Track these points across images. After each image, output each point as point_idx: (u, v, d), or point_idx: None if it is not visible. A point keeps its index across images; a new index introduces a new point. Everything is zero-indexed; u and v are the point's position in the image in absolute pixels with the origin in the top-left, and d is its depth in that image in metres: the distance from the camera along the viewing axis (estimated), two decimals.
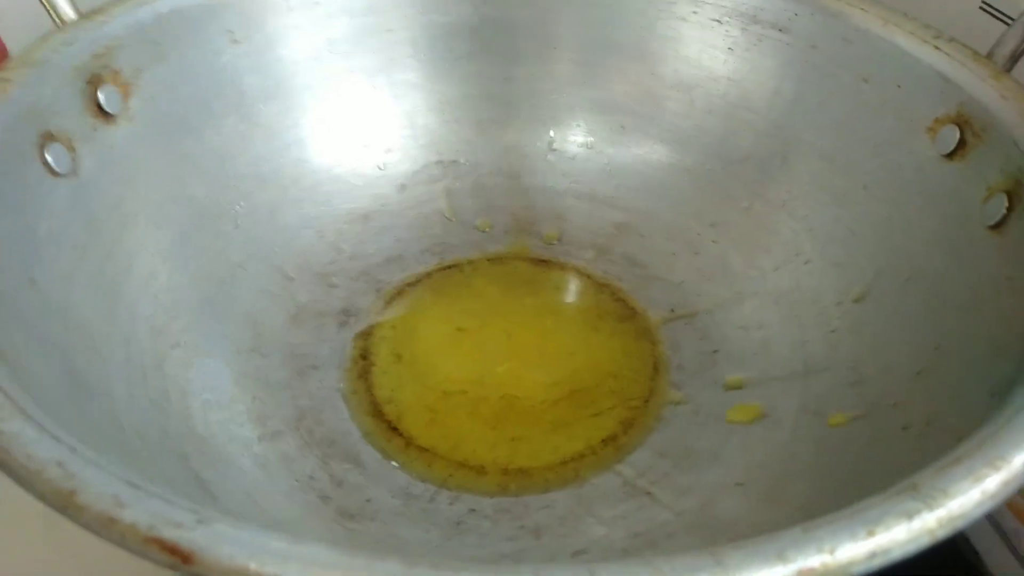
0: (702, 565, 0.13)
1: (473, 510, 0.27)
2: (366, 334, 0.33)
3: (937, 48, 0.29)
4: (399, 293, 0.35)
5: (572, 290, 0.36)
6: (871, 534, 0.14)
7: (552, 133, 0.40)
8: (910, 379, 0.25)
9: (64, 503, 0.13)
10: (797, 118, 0.34)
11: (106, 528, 0.13)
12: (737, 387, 0.30)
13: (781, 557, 0.13)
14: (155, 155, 0.31)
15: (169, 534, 0.13)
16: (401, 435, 0.29)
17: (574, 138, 0.40)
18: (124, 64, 0.29)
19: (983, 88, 0.27)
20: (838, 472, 0.24)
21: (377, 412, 0.30)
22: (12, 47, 0.37)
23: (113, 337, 0.26)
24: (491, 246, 0.38)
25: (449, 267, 0.37)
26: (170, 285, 0.30)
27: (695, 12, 0.36)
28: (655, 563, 0.13)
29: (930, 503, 0.15)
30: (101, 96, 0.28)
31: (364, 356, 0.32)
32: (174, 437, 0.25)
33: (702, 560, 0.13)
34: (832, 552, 0.14)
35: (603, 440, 0.29)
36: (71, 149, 0.27)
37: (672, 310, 0.34)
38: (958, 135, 0.28)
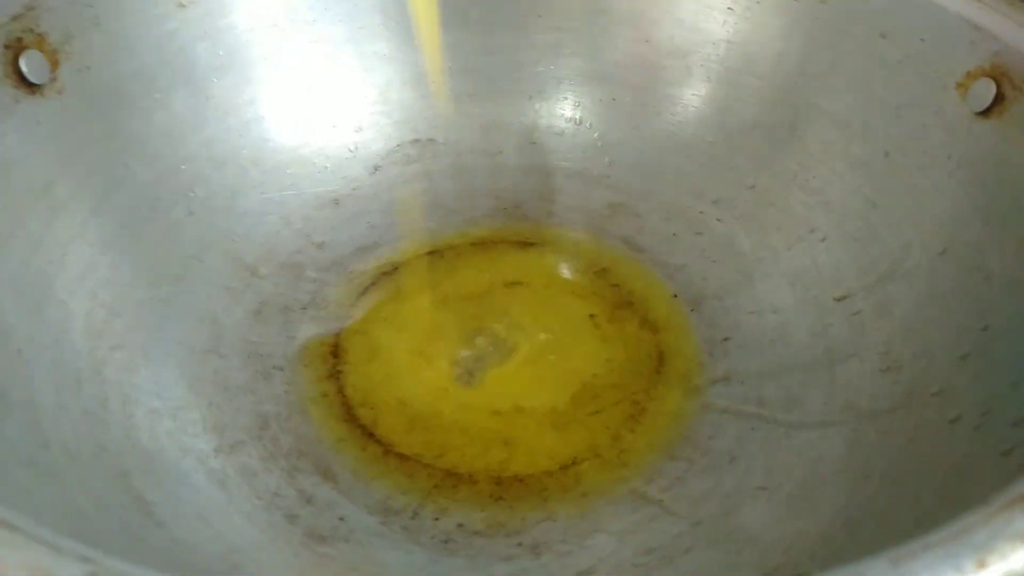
0: None
1: (462, 526, 0.23)
2: (336, 330, 0.30)
3: None
4: (374, 284, 0.32)
5: (564, 276, 0.33)
6: (982, 565, 0.11)
7: (537, 108, 0.37)
8: (954, 364, 0.23)
9: None
10: (807, 82, 0.31)
11: None
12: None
13: None
14: (93, 134, 0.28)
15: None
16: (378, 442, 0.26)
17: (561, 112, 0.37)
18: (50, 28, 0.26)
19: (1022, 34, 0.24)
20: (876, 472, 0.21)
21: (351, 417, 0.27)
22: None
23: (39, 338, 0.23)
24: (474, 230, 0.35)
25: (429, 254, 0.33)
26: (111, 279, 0.26)
27: None
28: None
29: None
30: (23, 64, 0.25)
31: (335, 354, 0.29)
32: (112, 452, 0.22)
33: None
34: None
35: (606, 441, 0.26)
36: None
37: (675, 295, 0.31)
38: (994, 90, 0.25)
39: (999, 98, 0.25)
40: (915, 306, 0.25)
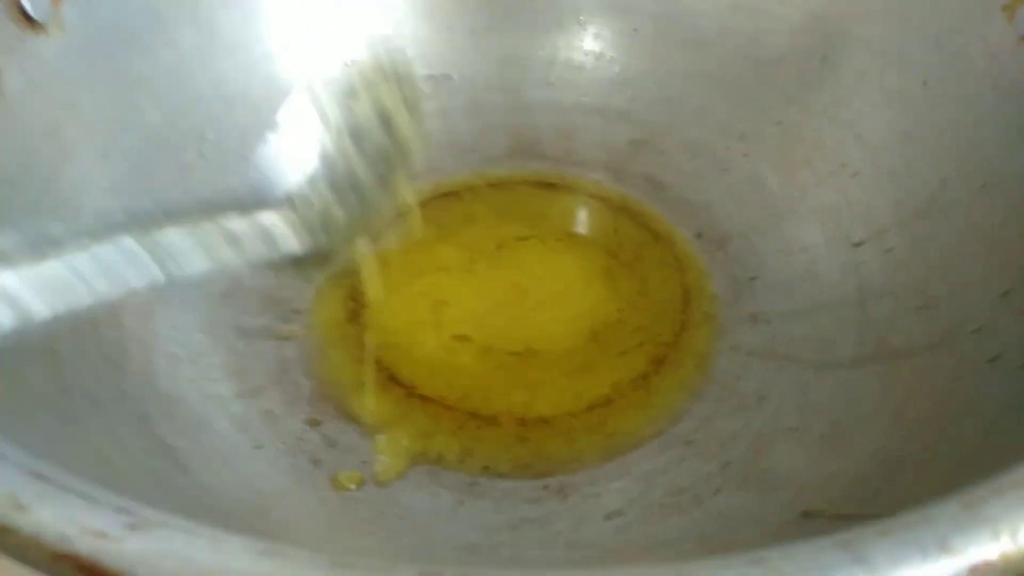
0: (835, 563, 0.09)
1: (487, 468, 0.23)
2: (355, 271, 0.29)
3: None
4: (391, 225, 0.31)
5: (586, 216, 0.32)
6: None
7: (556, 40, 0.35)
8: (994, 301, 0.22)
9: None
10: (839, 7, 0.30)
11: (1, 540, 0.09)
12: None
13: (944, 547, 0.10)
14: (99, 74, 0.27)
15: (88, 547, 0.09)
16: (401, 384, 0.25)
17: (580, 45, 0.35)
18: None
19: None
20: (912, 413, 0.21)
21: (372, 359, 0.26)
22: None
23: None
24: (492, 169, 0.34)
25: (446, 195, 0.33)
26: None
27: None
28: (768, 560, 0.09)
29: None
30: (25, 1, 0.24)
31: (354, 297, 0.28)
32: (133, 398, 0.21)
33: (833, 556, 0.09)
34: (1014, 536, 0.10)
35: (632, 381, 0.25)
36: None
37: (700, 235, 0.30)
38: None
39: None
40: (953, 242, 0.24)
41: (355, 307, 0.28)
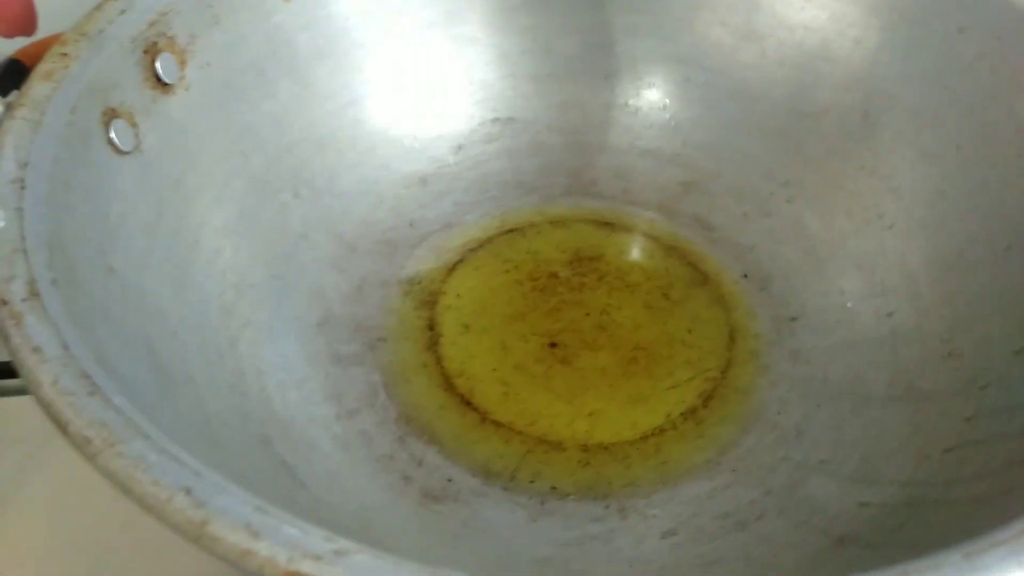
0: None
1: (555, 488, 0.26)
2: (431, 303, 0.32)
3: None
4: (461, 260, 0.34)
5: (639, 254, 0.35)
6: None
7: (613, 87, 0.38)
8: (1009, 358, 0.24)
9: (197, 533, 0.13)
10: (881, 70, 0.32)
11: (242, 559, 0.13)
12: None
13: None
14: (213, 125, 0.30)
15: (309, 568, 0.13)
16: (475, 409, 0.29)
17: (636, 91, 0.38)
18: (179, 30, 0.28)
19: None
20: (937, 452, 0.24)
21: (449, 386, 0.29)
22: (43, 13, 0.36)
23: (188, 320, 0.26)
24: (552, 208, 0.37)
25: (510, 231, 0.36)
26: (235, 262, 0.29)
27: None
28: None
29: None
30: (159, 66, 0.27)
31: (431, 327, 0.32)
32: (255, 421, 0.25)
33: None
34: None
35: (682, 414, 0.28)
36: (133, 124, 0.26)
37: (745, 275, 0.33)
38: None
39: None
40: (977, 297, 0.27)
41: (432, 336, 0.31)
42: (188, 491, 0.14)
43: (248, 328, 0.28)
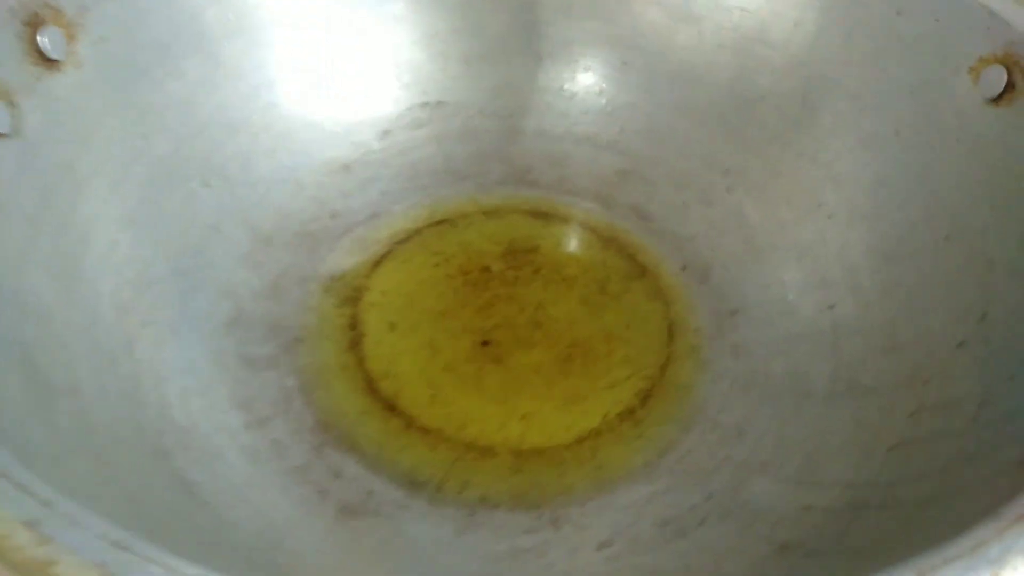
0: None
1: (485, 498, 0.25)
2: (354, 300, 0.30)
3: None
4: (388, 253, 0.32)
5: (576, 245, 0.33)
6: None
7: (547, 70, 0.36)
8: (951, 351, 0.24)
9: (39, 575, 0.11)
10: (820, 54, 0.31)
11: None
12: None
13: None
14: (110, 107, 0.28)
15: None
16: (400, 414, 0.27)
17: (571, 76, 0.36)
18: (66, 2, 0.25)
19: None
20: (880, 450, 0.23)
21: (372, 389, 0.27)
22: None
23: (75, 321, 0.23)
24: (485, 197, 0.35)
25: (441, 222, 0.34)
26: (134, 256, 0.27)
27: None
28: None
29: None
30: (42, 40, 0.25)
31: (354, 326, 0.29)
32: (151, 432, 0.22)
33: None
34: None
35: (620, 414, 0.27)
36: (12, 104, 0.23)
37: (685, 267, 0.32)
38: (1005, 78, 0.25)
39: (1010, 87, 0.25)
40: (919, 288, 0.26)
41: (355, 336, 0.29)
42: (32, 524, 0.11)
43: (148, 329, 0.26)
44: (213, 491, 0.22)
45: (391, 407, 0.27)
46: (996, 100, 0.25)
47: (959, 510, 0.17)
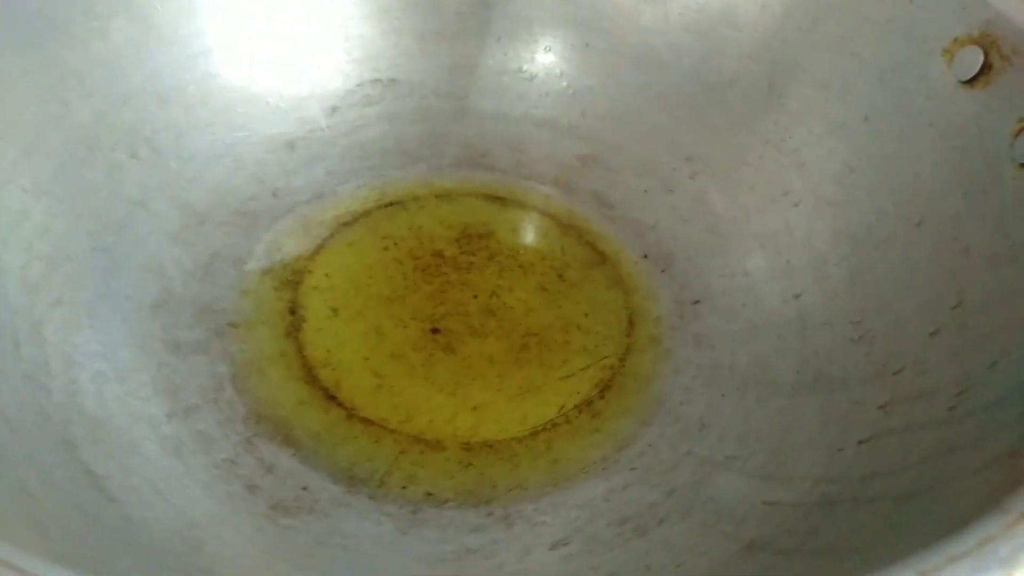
0: None
1: (431, 494, 0.23)
2: (295, 284, 0.28)
3: None
4: (332, 235, 0.30)
5: (533, 232, 0.32)
6: None
7: (506, 50, 0.35)
8: (924, 339, 0.23)
9: None
10: (788, 37, 0.30)
11: None
12: None
13: None
14: (23, 66, 0.25)
15: None
16: (341, 405, 0.25)
17: (531, 56, 0.35)
18: None
19: (1013, 3, 0.24)
20: (851, 444, 0.22)
21: (311, 378, 0.25)
22: None
23: None
24: (438, 180, 0.33)
25: (391, 204, 0.32)
26: (47, 228, 0.24)
27: None
28: None
29: None
30: None
31: (293, 311, 0.27)
32: (57, 421, 0.20)
33: None
34: None
35: (577, 406, 0.25)
36: None
37: (646, 255, 0.30)
38: (981, 58, 0.24)
39: (986, 67, 0.24)
40: (889, 276, 0.25)
41: (294, 321, 0.27)
42: None
43: (59, 308, 0.23)
44: (125, 487, 0.20)
45: (331, 397, 0.25)
46: (971, 82, 0.25)
47: (946, 505, 0.15)
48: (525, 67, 0.35)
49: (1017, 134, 0.23)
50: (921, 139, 0.26)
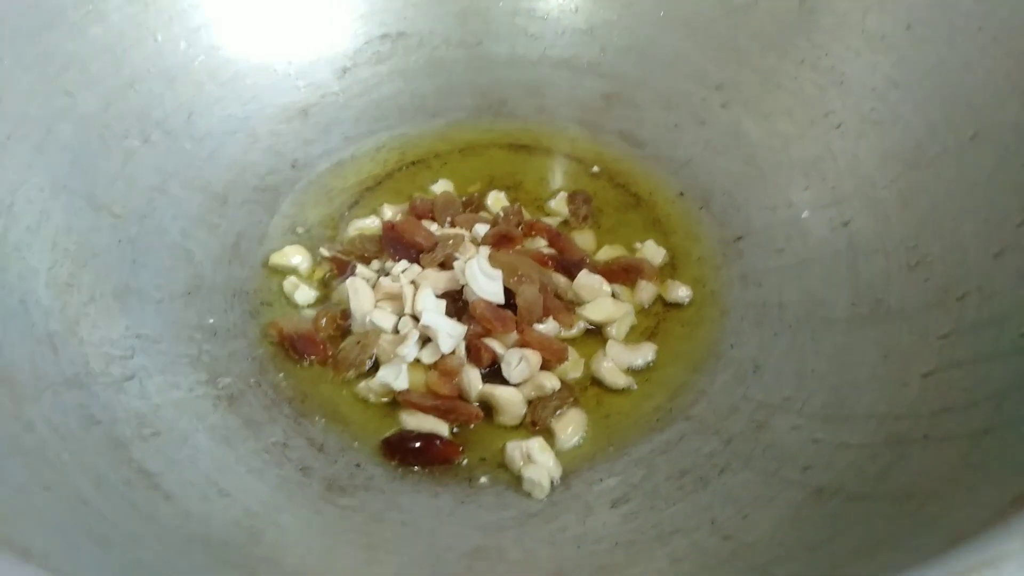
0: None
1: (484, 459, 0.22)
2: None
3: None
4: (356, 202, 0.30)
5: (561, 178, 0.31)
6: None
7: None
8: (987, 262, 0.21)
9: None
10: None
11: None
12: None
13: None
14: (19, 58, 0.24)
15: None
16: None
17: None
18: None
19: None
20: (915, 378, 0.21)
21: None
22: None
23: (2, 304, 0.20)
24: (459, 134, 0.32)
25: (413, 164, 0.31)
26: (70, 226, 0.24)
27: None
28: None
29: None
30: None
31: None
32: (104, 422, 0.20)
33: None
34: None
35: None
36: None
37: (682, 193, 0.29)
38: None
39: None
40: (944, 196, 0.23)
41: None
42: None
43: (92, 305, 0.23)
44: (179, 482, 0.19)
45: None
46: None
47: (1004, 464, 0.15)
48: (538, 6, 0.33)
49: None
50: (970, 45, 0.24)
